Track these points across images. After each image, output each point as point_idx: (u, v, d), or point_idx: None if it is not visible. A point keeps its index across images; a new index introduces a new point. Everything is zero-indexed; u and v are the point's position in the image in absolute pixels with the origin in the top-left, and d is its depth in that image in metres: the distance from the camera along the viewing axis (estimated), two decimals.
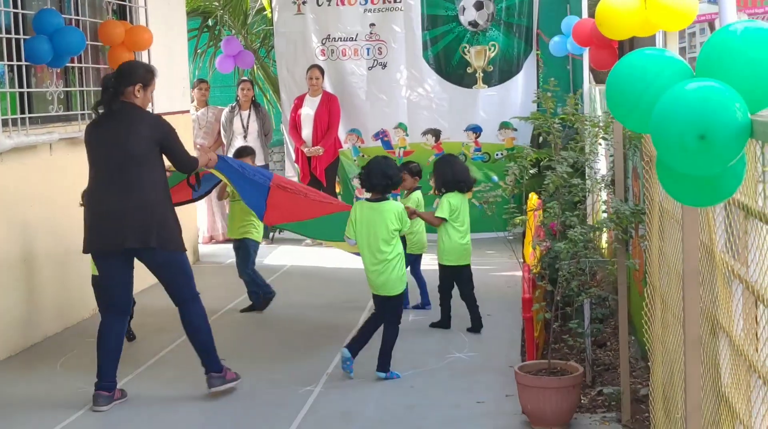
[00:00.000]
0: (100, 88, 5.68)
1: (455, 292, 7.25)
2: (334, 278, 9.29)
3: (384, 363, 6.19)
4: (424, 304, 7.82)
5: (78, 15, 8.07)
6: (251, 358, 6.64)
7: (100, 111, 5.73)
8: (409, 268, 7.77)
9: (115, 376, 5.78)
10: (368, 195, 6.32)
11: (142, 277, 6.10)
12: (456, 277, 7.20)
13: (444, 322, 7.27)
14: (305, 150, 10.78)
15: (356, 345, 6.18)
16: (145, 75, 5.70)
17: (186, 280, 5.85)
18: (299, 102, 10.98)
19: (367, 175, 6.23)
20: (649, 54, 2.66)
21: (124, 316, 5.88)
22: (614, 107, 2.72)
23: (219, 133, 11.21)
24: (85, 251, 5.77)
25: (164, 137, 5.69)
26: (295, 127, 10.93)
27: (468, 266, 7.20)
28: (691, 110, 2.35)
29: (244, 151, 8.22)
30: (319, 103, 10.79)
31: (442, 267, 7.22)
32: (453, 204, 7.05)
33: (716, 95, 2.32)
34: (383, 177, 6.16)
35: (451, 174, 7.09)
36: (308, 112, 10.83)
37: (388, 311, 6.20)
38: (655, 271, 4.49)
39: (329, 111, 10.78)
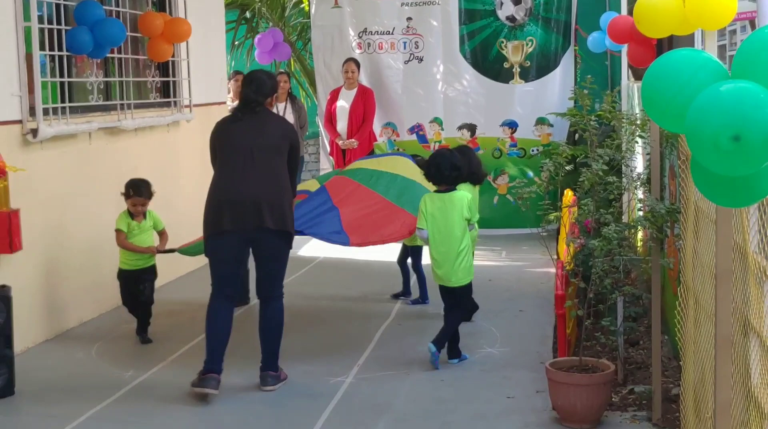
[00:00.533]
0: (244, 101, 6.07)
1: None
2: (367, 270, 9.33)
3: (452, 350, 6.35)
4: (423, 298, 7.86)
5: (118, 6, 8.15)
6: (283, 349, 6.68)
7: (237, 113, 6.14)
8: (410, 260, 7.84)
9: (222, 361, 5.85)
10: None
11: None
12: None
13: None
14: (340, 142, 10.83)
15: (441, 338, 6.28)
16: (275, 86, 6.28)
17: (282, 275, 6.03)
18: (335, 95, 11.02)
19: (437, 168, 6.33)
20: (684, 54, 2.66)
21: (232, 302, 5.97)
22: (649, 107, 2.72)
23: None
24: (211, 232, 5.85)
25: (294, 140, 6.09)
26: (330, 120, 10.98)
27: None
28: (726, 111, 2.36)
29: None
30: (354, 97, 10.83)
31: None
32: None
33: (751, 96, 2.33)
34: (453, 168, 6.31)
35: (467, 165, 6.92)
36: (343, 105, 10.87)
37: (457, 301, 6.33)
38: (689, 271, 4.48)
39: (364, 104, 10.82)
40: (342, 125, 10.87)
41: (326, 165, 11.48)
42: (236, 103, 11.23)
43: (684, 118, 2.50)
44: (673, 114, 2.62)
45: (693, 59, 2.62)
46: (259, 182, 5.82)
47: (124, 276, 6.99)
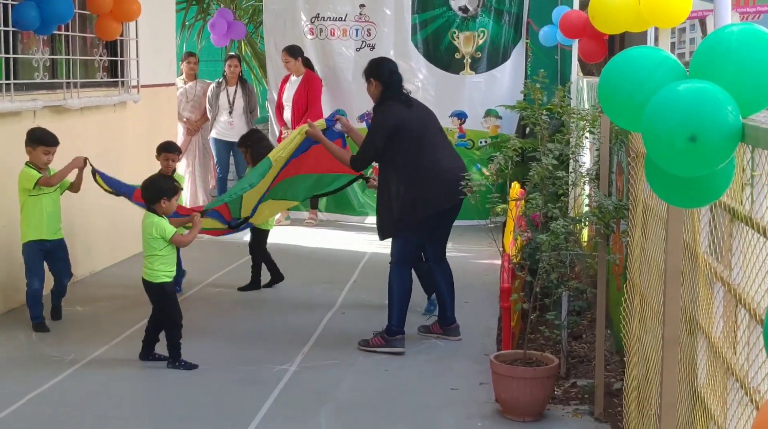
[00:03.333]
0: (388, 82, 6.51)
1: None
2: (315, 258, 9.29)
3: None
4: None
5: None
6: (227, 336, 6.63)
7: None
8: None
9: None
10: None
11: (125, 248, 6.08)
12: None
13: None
14: (285, 133, 10.71)
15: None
16: None
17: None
18: (284, 82, 10.90)
19: None
20: (642, 52, 2.65)
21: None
22: (606, 104, 2.71)
23: (205, 107, 11.15)
24: (436, 210, 6.40)
25: None
26: (280, 108, 10.87)
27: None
28: (683, 111, 2.34)
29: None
30: (298, 85, 10.69)
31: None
32: None
33: (709, 97, 2.32)
34: None
35: None
36: (288, 94, 10.75)
37: None
38: (636, 268, 4.51)
39: (307, 92, 10.67)
40: (287, 114, 10.75)
41: None
42: (188, 84, 11.22)
43: (640, 117, 2.49)
44: (629, 112, 2.61)
45: (651, 57, 2.61)
46: (455, 157, 6.63)
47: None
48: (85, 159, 6.70)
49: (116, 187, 6.75)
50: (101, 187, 6.72)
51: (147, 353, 6.06)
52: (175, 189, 6.03)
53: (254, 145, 7.79)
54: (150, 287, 5.98)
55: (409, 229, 6.45)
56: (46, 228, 6.64)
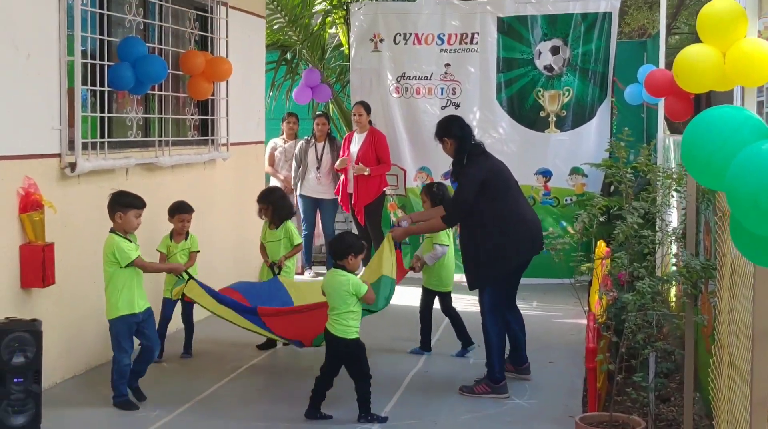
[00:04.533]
0: (458, 138, 6.85)
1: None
2: (395, 315, 9.25)
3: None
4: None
5: (161, 44, 8.25)
6: (308, 394, 6.66)
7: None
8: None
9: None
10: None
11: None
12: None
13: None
14: (352, 169, 10.78)
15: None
16: None
17: None
18: (348, 139, 11.03)
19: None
20: (725, 111, 2.64)
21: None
22: (689, 162, 2.70)
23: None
24: (520, 260, 6.73)
25: None
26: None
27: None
28: (767, 170, 2.32)
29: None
30: (363, 140, 10.81)
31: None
32: None
33: None
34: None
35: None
36: (353, 149, 10.87)
37: None
38: (724, 329, 4.42)
39: (375, 148, 10.78)
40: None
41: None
42: (288, 143, 11.43)
43: (724, 176, 2.47)
44: (713, 171, 2.60)
45: (734, 116, 2.60)
46: (532, 209, 7.08)
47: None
48: (187, 271, 6.95)
49: (213, 295, 6.90)
50: (193, 299, 6.96)
51: (314, 411, 6.09)
52: (362, 246, 6.22)
53: (277, 202, 7.85)
54: (341, 343, 6.02)
55: (499, 278, 6.66)
56: (137, 300, 6.34)
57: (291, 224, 7.89)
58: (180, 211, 7.40)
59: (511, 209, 6.64)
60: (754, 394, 3.26)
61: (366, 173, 10.67)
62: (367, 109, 10.91)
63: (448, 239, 7.54)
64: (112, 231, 6.32)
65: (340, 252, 6.08)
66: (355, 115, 10.85)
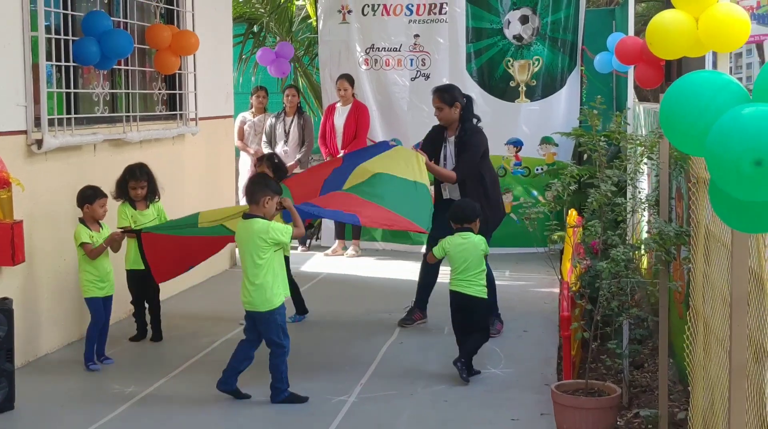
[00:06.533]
0: (463, 106, 7.52)
1: None
2: (370, 287, 9.28)
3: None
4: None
5: (126, 18, 8.14)
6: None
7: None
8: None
9: None
10: None
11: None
12: None
13: None
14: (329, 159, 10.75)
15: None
16: None
17: None
18: (330, 111, 10.98)
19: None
20: (704, 76, 2.62)
21: None
22: (668, 129, 2.68)
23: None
24: (499, 222, 7.63)
25: None
26: (324, 136, 10.93)
27: None
28: (748, 135, 2.31)
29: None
30: (347, 113, 10.77)
31: None
32: None
33: None
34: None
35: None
36: (338, 121, 10.83)
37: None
38: (699, 295, 4.43)
39: (357, 121, 10.76)
40: (339, 141, 10.80)
41: None
42: (257, 117, 11.35)
43: (704, 141, 2.45)
44: (692, 137, 2.58)
45: (713, 81, 2.58)
46: None
47: (132, 277, 7.18)
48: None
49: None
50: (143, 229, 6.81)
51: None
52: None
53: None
54: (479, 303, 6.40)
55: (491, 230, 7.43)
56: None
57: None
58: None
59: (495, 175, 7.74)
60: (733, 360, 3.27)
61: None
62: (351, 82, 10.86)
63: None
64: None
65: (463, 218, 6.50)
66: (340, 89, 10.78)
